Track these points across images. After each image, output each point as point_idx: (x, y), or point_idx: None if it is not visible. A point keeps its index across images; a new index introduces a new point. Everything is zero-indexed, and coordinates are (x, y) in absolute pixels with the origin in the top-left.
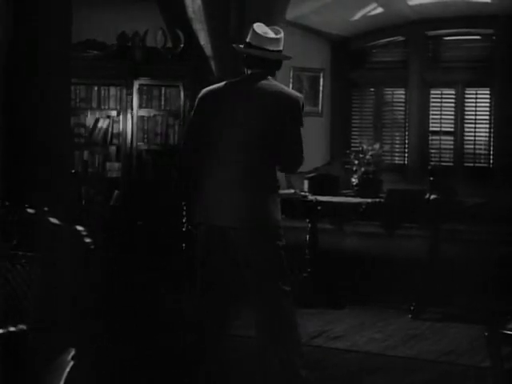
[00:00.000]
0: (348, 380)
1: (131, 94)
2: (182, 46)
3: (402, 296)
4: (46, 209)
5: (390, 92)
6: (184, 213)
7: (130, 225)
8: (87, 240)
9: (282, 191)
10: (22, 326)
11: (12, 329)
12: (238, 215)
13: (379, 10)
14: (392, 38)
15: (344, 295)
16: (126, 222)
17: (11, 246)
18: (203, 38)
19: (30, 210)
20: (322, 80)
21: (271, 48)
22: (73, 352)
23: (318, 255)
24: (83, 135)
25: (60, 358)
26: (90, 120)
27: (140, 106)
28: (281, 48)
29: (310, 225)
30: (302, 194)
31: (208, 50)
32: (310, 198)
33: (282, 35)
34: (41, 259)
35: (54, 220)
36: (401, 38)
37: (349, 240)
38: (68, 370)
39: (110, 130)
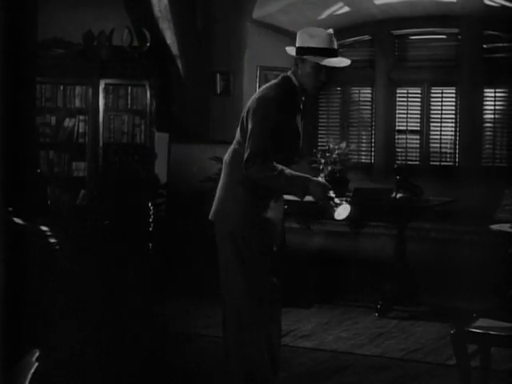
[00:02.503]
0: (315, 379)
1: (97, 93)
2: (148, 44)
3: (368, 295)
4: (10, 209)
5: (357, 91)
6: (151, 212)
7: (96, 224)
8: (52, 240)
9: None
10: None
11: None
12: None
13: (346, 9)
14: (358, 37)
15: (311, 294)
16: (92, 222)
17: None
18: (169, 37)
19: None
20: None
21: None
22: (37, 353)
23: (285, 254)
24: (49, 134)
25: (24, 360)
26: (55, 119)
27: (106, 105)
28: None
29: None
30: None
31: (174, 49)
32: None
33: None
34: (5, 259)
35: (18, 220)
36: (367, 37)
37: (316, 239)
38: (32, 371)
39: (75, 129)
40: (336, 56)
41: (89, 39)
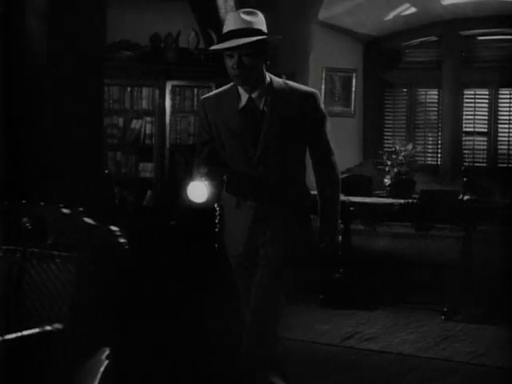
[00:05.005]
0: (380, 381)
1: (164, 94)
2: None
3: (434, 297)
4: (80, 209)
5: (423, 92)
6: (217, 213)
7: (162, 225)
8: (122, 240)
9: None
10: (58, 325)
11: (48, 328)
12: None
13: (412, 9)
14: (425, 38)
15: (376, 296)
16: (158, 222)
17: (46, 246)
18: None
19: (65, 210)
20: (354, 80)
21: None
22: (107, 351)
23: (350, 256)
24: (116, 136)
25: (94, 358)
26: (122, 121)
27: (173, 107)
28: None
29: (342, 226)
30: None
31: None
32: (343, 198)
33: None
34: (75, 259)
35: (88, 220)
36: (434, 38)
37: (381, 241)
38: (102, 369)
39: (142, 130)
40: (233, 37)
41: (156, 41)
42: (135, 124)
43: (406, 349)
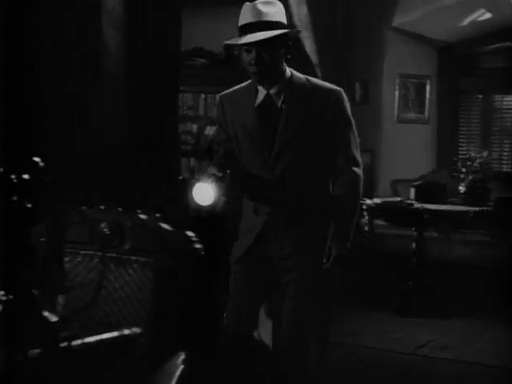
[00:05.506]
0: None
1: None
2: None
3: (510, 307)
4: (157, 215)
5: (499, 98)
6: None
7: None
8: (198, 246)
9: (388, 199)
10: (136, 329)
11: (126, 331)
12: None
13: (488, 15)
14: (501, 44)
15: (450, 304)
16: (232, 228)
17: (124, 251)
18: (309, 46)
19: (142, 216)
20: (428, 87)
21: None
22: (183, 356)
23: (423, 264)
24: (190, 142)
25: (170, 362)
26: (196, 127)
27: None
28: None
29: (415, 233)
30: (408, 201)
31: (314, 58)
32: (417, 205)
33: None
34: (152, 264)
35: (165, 225)
36: (510, 44)
37: (455, 249)
38: (178, 373)
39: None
40: (251, 31)
41: (230, 49)
42: (209, 131)
43: (481, 358)
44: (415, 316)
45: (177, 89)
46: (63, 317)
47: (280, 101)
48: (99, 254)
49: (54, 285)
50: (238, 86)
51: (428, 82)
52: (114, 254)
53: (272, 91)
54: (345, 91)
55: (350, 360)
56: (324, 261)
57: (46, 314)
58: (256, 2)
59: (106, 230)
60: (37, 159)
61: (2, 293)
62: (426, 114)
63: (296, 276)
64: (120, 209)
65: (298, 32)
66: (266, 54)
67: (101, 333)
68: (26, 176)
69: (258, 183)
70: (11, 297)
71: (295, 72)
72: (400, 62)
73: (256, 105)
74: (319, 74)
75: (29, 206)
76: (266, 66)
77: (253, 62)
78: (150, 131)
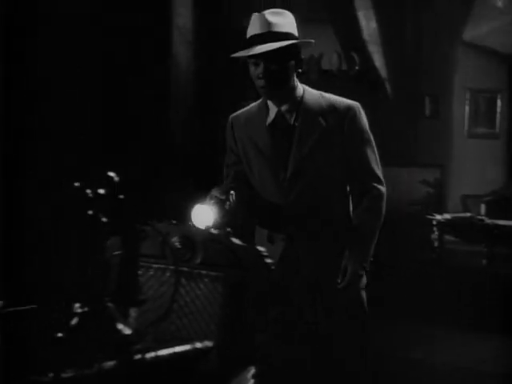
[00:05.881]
0: None
1: None
2: (356, 68)
3: None
4: (228, 229)
5: None
6: None
7: None
8: (269, 261)
9: (458, 214)
10: (208, 343)
11: (198, 345)
12: None
13: None
14: None
15: None
16: None
17: (195, 266)
18: (378, 60)
19: (213, 231)
20: (499, 101)
21: None
22: (253, 370)
23: (494, 280)
24: None
25: (240, 376)
26: None
27: None
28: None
29: (486, 249)
30: (479, 217)
31: (383, 72)
32: (487, 221)
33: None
34: (223, 278)
35: (236, 240)
36: None
37: None
38: None
39: None
40: (258, 43)
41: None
42: None
43: None
44: (483, 331)
45: (247, 105)
46: (137, 329)
47: (293, 118)
48: (171, 267)
49: (128, 298)
50: (248, 106)
51: (499, 96)
52: (186, 268)
53: (283, 108)
54: (414, 106)
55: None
56: (339, 280)
57: (120, 326)
58: (265, 12)
59: (177, 244)
60: (112, 174)
61: (78, 305)
62: (497, 129)
63: (325, 314)
64: (191, 223)
65: (310, 43)
66: (275, 67)
67: (173, 346)
68: (101, 191)
69: (271, 208)
70: (87, 309)
71: (307, 87)
72: (470, 76)
73: (267, 123)
74: (388, 88)
75: (104, 220)
76: (275, 80)
77: (260, 75)
78: (214, 141)
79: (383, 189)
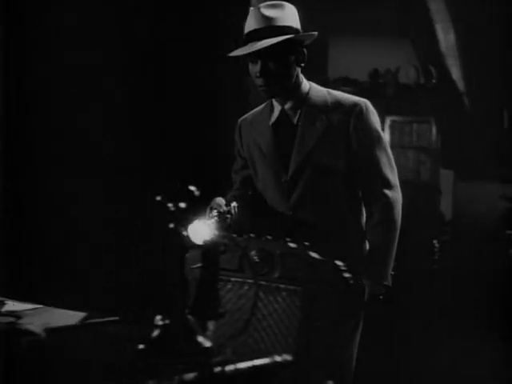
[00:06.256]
0: None
1: (383, 129)
2: (433, 81)
3: None
4: (306, 243)
5: None
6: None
7: None
8: (347, 275)
9: None
10: (287, 357)
11: (278, 358)
12: None
13: None
14: None
15: None
16: None
17: (273, 279)
18: (456, 73)
19: (291, 244)
20: None
21: None
22: None
23: None
24: None
25: None
26: None
27: (392, 142)
28: None
29: None
30: None
31: (461, 85)
32: None
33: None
34: (301, 293)
35: (314, 254)
36: None
37: None
38: None
39: None
40: (254, 39)
41: (375, 77)
42: None
43: None
44: None
45: None
46: (217, 342)
47: (296, 117)
48: (249, 281)
49: (208, 311)
50: (257, 108)
51: None
52: (264, 282)
53: (287, 106)
54: (493, 119)
55: None
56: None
57: (200, 339)
58: (261, 5)
59: (255, 257)
60: (192, 188)
61: (159, 317)
62: None
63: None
64: (269, 237)
65: (311, 36)
66: (273, 64)
67: (252, 359)
68: (182, 204)
69: (273, 214)
70: (167, 322)
71: (315, 85)
72: None
73: (271, 122)
74: (466, 101)
75: (185, 233)
76: (274, 77)
77: (258, 73)
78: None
79: (395, 195)
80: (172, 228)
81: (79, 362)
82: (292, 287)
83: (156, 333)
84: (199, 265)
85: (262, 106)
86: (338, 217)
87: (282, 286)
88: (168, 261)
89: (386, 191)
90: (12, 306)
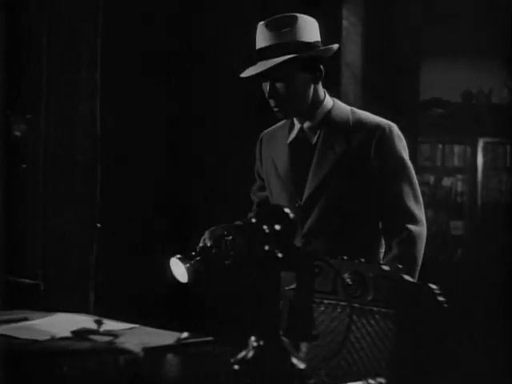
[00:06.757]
0: None
1: (475, 152)
2: None
3: None
4: (400, 266)
5: None
6: None
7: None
8: (441, 299)
9: None
10: (381, 380)
11: (372, 382)
12: None
13: None
14: None
15: None
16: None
17: (366, 302)
18: None
19: (384, 267)
20: None
21: None
22: None
23: None
24: (427, 193)
25: None
26: (433, 178)
27: (485, 164)
28: None
29: None
30: None
31: None
32: None
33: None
34: (394, 316)
35: (407, 277)
36: None
37: None
38: None
39: (453, 188)
40: (262, 58)
41: (467, 98)
42: (446, 181)
43: None
44: None
45: (414, 139)
46: (310, 364)
47: (315, 137)
48: (342, 303)
49: (302, 332)
50: (282, 121)
51: None
52: (357, 305)
53: (306, 125)
54: None
55: None
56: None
57: (294, 360)
58: (269, 19)
59: (349, 280)
60: (287, 211)
61: (254, 339)
62: None
63: None
64: (362, 259)
65: (327, 51)
66: (281, 85)
67: (346, 381)
68: (277, 227)
69: None
70: (262, 343)
71: (339, 102)
72: None
73: (289, 141)
74: None
75: (280, 255)
76: (285, 99)
77: (268, 94)
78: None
79: (419, 230)
80: (267, 250)
81: (174, 382)
82: (385, 310)
83: (250, 354)
84: (293, 286)
85: (285, 120)
86: (353, 250)
87: (376, 308)
88: (263, 283)
89: (409, 226)
90: (109, 325)
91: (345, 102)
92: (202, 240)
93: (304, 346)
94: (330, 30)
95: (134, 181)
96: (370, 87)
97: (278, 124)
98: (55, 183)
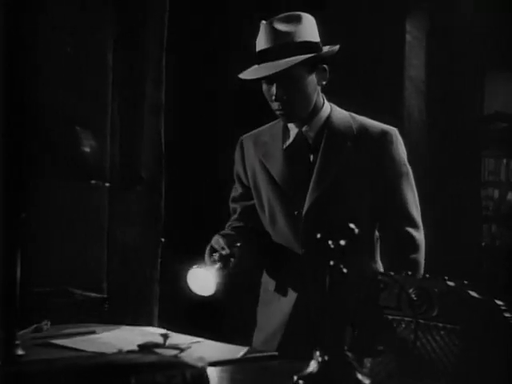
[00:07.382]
0: None
1: None
2: None
3: None
4: (465, 282)
5: None
6: None
7: None
8: (508, 315)
9: None
10: None
11: None
12: None
13: None
14: None
15: None
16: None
17: (431, 318)
18: None
19: (449, 283)
20: None
21: None
22: None
23: None
24: (491, 208)
25: None
26: (498, 193)
27: None
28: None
29: None
30: None
31: None
32: None
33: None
34: (459, 332)
35: (473, 293)
36: None
37: None
38: None
39: None
40: (266, 60)
41: None
42: (511, 196)
43: None
44: None
45: (478, 154)
46: (374, 380)
47: (317, 142)
48: (406, 319)
49: (367, 348)
50: (266, 125)
51: None
52: (422, 320)
53: (305, 129)
54: None
55: None
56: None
57: (359, 376)
58: (274, 18)
59: (413, 295)
60: (352, 226)
61: (318, 353)
62: None
63: None
64: (428, 275)
65: (333, 52)
66: (290, 88)
67: None
68: (342, 242)
69: (282, 254)
70: (326, 358)
71: (336, 107)
72: None
73: (285, 146)
74: None
75: (344, 270)
76: (292, 102)
77: (273, 97)
78: (451, 196)
79: (419, 236)
80: (332, 265)
81: None
82: (450, 326)
83: (315, 368)
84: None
85: (272, 123)
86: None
87: (441, 324)
88: (329, 298)
89: (410, 231)
90: (175, 338)
91: (408, 116)
92: (209, 247)
93: (368, 362)
94: (394, 44)
95: (197, 195)
96: (433, 101)
97: (262, 128)
98: (121, 199)
